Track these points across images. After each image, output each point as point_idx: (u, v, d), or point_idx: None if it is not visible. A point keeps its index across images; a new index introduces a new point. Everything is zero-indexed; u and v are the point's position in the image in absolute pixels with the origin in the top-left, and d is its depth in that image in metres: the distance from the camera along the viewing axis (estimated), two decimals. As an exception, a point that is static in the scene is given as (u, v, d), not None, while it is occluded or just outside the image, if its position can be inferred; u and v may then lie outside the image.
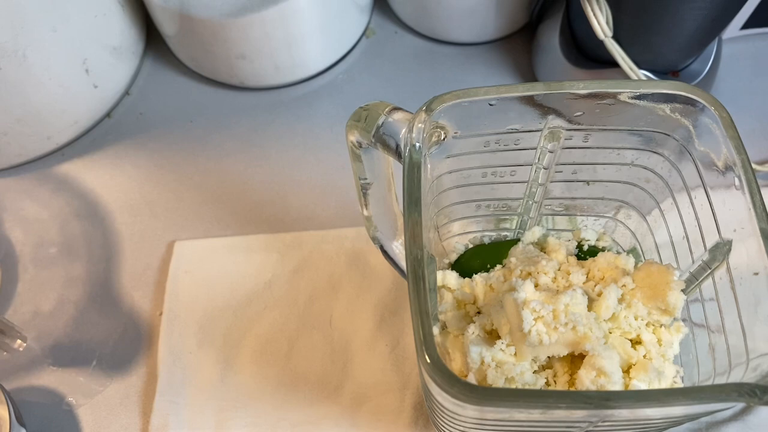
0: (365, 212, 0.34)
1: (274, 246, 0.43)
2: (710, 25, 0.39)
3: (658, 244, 0.33)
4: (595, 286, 0.32)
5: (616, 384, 0.27)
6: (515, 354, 0.29)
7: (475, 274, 0.34)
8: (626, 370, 0.29)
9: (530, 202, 0.35)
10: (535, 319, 0.28)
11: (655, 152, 0.30)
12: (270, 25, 0.45)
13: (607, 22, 0.39)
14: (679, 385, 0.30)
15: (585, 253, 0.36)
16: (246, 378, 0.39)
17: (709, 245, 0.28)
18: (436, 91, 0.28)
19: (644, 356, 0.30)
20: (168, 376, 0.39)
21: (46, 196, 0.46)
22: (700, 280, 0.29)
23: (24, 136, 0.45)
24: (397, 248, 0.36)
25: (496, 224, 0.37)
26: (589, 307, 0.30)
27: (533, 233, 0.36)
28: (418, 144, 0.27)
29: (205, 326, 0.41)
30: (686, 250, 0.30)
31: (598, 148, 0.31)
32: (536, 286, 0.31)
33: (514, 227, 0.37)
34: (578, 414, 0.23)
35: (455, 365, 0.31)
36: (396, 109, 0.28)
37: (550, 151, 0.31)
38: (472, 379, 0.29)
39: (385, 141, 0.28)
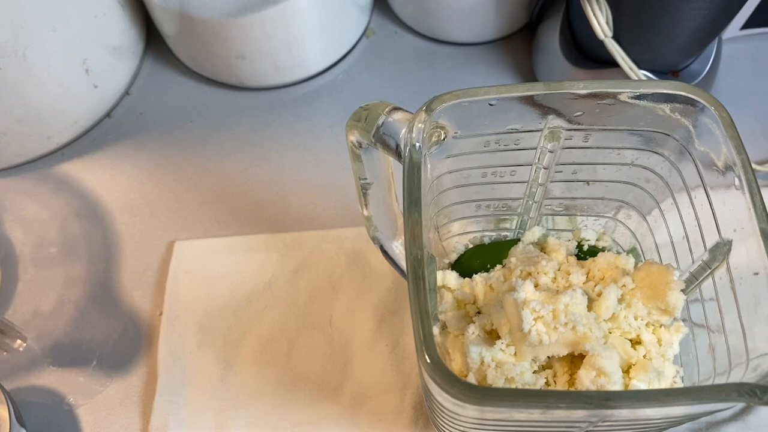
0: (365, 212, 0.34)
1: (274, 246, 0.43)
2: (710, 25, 0.39)
3: (658, 244, 0.33)
4: (595, 286, 0.32)
5: (616, 384, 0.27)
6: (515, 354, 0.29)
7: (475, 274, 0.34)
8: (626, 370, 0.29)
9: (530, 202, 0.35)
10: (535, 319, 0.28)
11: (655, 152, 0.30)
12: (270, 25, 0.45)
13: (607, 22, 0.39)
14: (679, 385, 0.30)
15: (585, 253, 0.36)
16: (246, 378, 0.39)
17: (709, 245, 0.28)
18: (436, 91, 0.28)
19: (644, 356, 0.30)
20: (168, 376, 0.39)
21: (46, 196, 0.46)
22: (700, 280, 0.29)
23: (24, 136, 0.45)
24: (397, 248, 0.36)
25: (496, 224, 0.37)
26: (589, 307, 0.30)
27: (533, 233, 0.36)
28: (418, 144, 0.27)
29: (205, 326, 0.41)
30: (686, 250, 0.30)
31: (598, 148, 0.31)
32: (536, 286, 0.31)
33: (514, 227, 0.37)
34: (578, 414, 0.23)
35: (455, 365, 0.31)
36: (396, 109, 0.28)
37: (550, 151, 0.31)
38: (472, 379, 0.29)
39: (385, 141, 0.28)
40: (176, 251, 0.43)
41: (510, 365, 0.29)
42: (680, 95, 0.27)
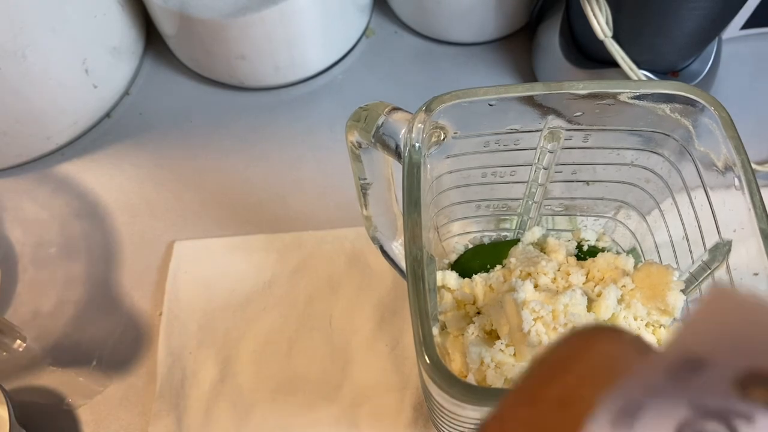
0: (365, 212, 0.34)
1: (273, 246, 0.43)
2: (710, 25, 0.39)
3: (658, 244, 0.33)
4: (594, 286, 0.32)
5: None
6: (515, 354, 0.29)
7: (475, 274, 0.34)
8: (626, 371, 0.29)
9: (530, 203, 0.35)
10: (534, 320, 0.28)
11: (654, 152, 0.30)
12: (270, 25, 0.45)
13: (607, 22, 0.39)
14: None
15: (585, 254, 0.36)
16: (246, 378, 0.39)
17: (709, 245, 0.28)
18: (436, 91, 0.28)
19: (644, 356, 0.30)
20: (168, 376, 0.39)
21: (46, 196, 0.46)
22: (700, 280, 0.29)
23: (24, 136, 0.45)
24: (397, 248, 0.36)
25: (496, 224, 0.37)
26: (589, 308, 0.30)
27: (533, 233, 0.36)
28: (417, 144, 0.27)
29: (204, 326, 0.41)
30: (686, 251, 0.30)
31: (597, 148, 0.31)
32: (536, 286, 0.31)
33: (514, 227, 0.37)
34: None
35: (455, 365, 0.31)
36: (396, 109, 0.28)
37: (550, 152, 0.31)
38: (471, 379, 0.29)
39: (384, 141, 0.28)
40: (176, 251, 0.43)
41: (510, 365, 0.28)
42: (680, 95, 0.27)
